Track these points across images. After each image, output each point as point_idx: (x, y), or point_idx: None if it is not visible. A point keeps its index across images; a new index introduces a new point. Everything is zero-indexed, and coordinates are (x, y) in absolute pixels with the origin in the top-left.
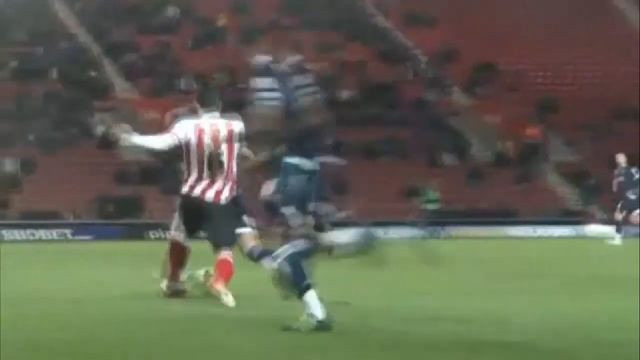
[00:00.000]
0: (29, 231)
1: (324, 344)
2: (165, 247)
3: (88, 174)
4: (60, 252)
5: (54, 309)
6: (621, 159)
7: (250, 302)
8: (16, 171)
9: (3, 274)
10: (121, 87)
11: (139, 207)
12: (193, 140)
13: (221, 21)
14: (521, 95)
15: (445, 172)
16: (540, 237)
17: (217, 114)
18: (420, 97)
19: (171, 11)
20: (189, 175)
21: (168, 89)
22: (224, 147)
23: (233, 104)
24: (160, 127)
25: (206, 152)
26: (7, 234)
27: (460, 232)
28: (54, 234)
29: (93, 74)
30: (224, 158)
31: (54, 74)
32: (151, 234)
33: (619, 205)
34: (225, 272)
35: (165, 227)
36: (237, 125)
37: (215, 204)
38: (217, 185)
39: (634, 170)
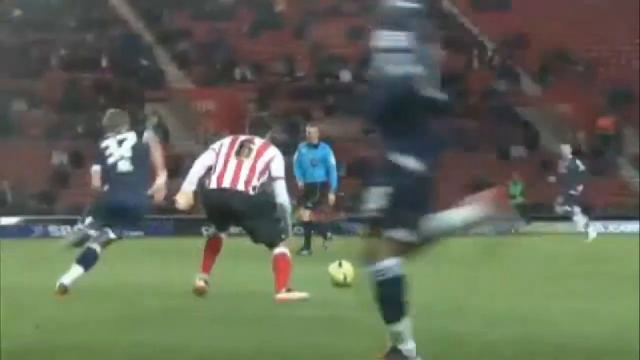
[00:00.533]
0: (76, 227)
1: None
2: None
3: None
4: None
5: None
6: (566, 150)
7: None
8: (64, 164)
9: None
10: (174, 76)
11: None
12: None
13: (280, 6)
14: (594, 84)
15: (515, 164)
16: (611, 233)
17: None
18: (489, 86)
19: None
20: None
21: (223, 78)
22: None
23: (291, 92)
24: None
25: (237, 145)
26: (54, 229)
27: (530, 228)
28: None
29: (145, 62)
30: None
31: (104, 62)
32: (204, 230)
33: (563, 199)
34: (283, 271)
35: None
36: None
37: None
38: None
39: (578, 162)
